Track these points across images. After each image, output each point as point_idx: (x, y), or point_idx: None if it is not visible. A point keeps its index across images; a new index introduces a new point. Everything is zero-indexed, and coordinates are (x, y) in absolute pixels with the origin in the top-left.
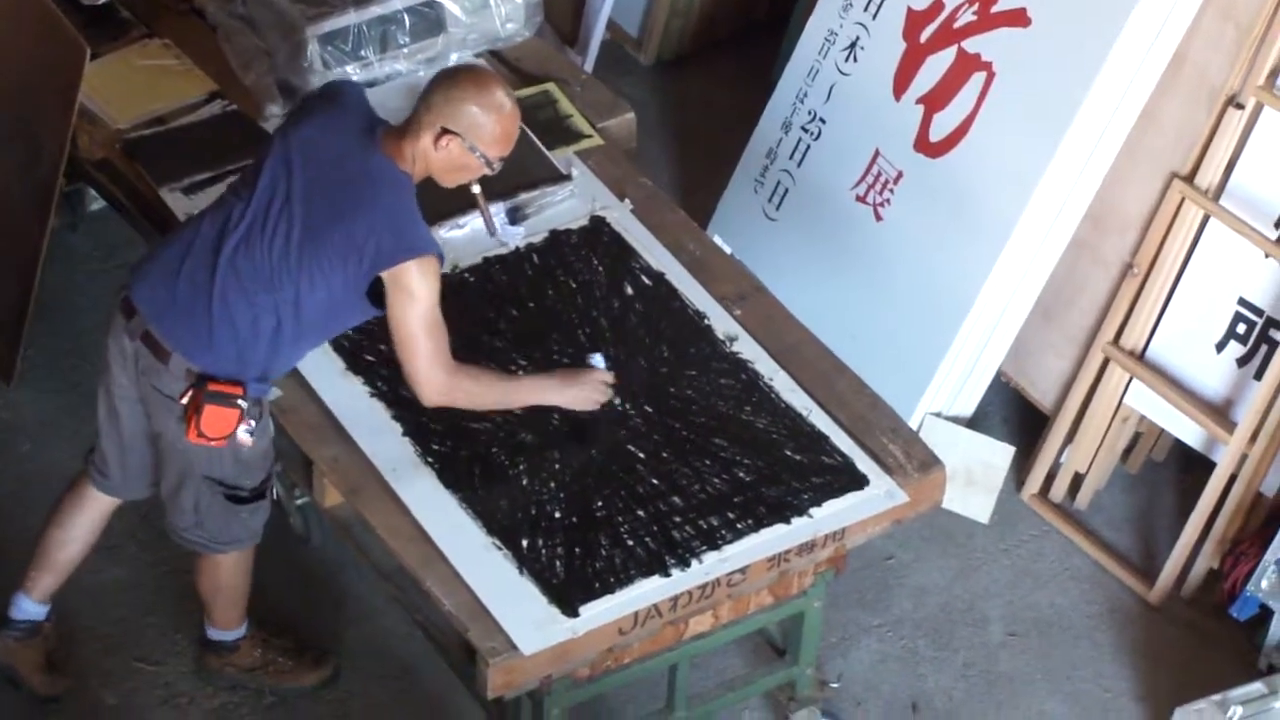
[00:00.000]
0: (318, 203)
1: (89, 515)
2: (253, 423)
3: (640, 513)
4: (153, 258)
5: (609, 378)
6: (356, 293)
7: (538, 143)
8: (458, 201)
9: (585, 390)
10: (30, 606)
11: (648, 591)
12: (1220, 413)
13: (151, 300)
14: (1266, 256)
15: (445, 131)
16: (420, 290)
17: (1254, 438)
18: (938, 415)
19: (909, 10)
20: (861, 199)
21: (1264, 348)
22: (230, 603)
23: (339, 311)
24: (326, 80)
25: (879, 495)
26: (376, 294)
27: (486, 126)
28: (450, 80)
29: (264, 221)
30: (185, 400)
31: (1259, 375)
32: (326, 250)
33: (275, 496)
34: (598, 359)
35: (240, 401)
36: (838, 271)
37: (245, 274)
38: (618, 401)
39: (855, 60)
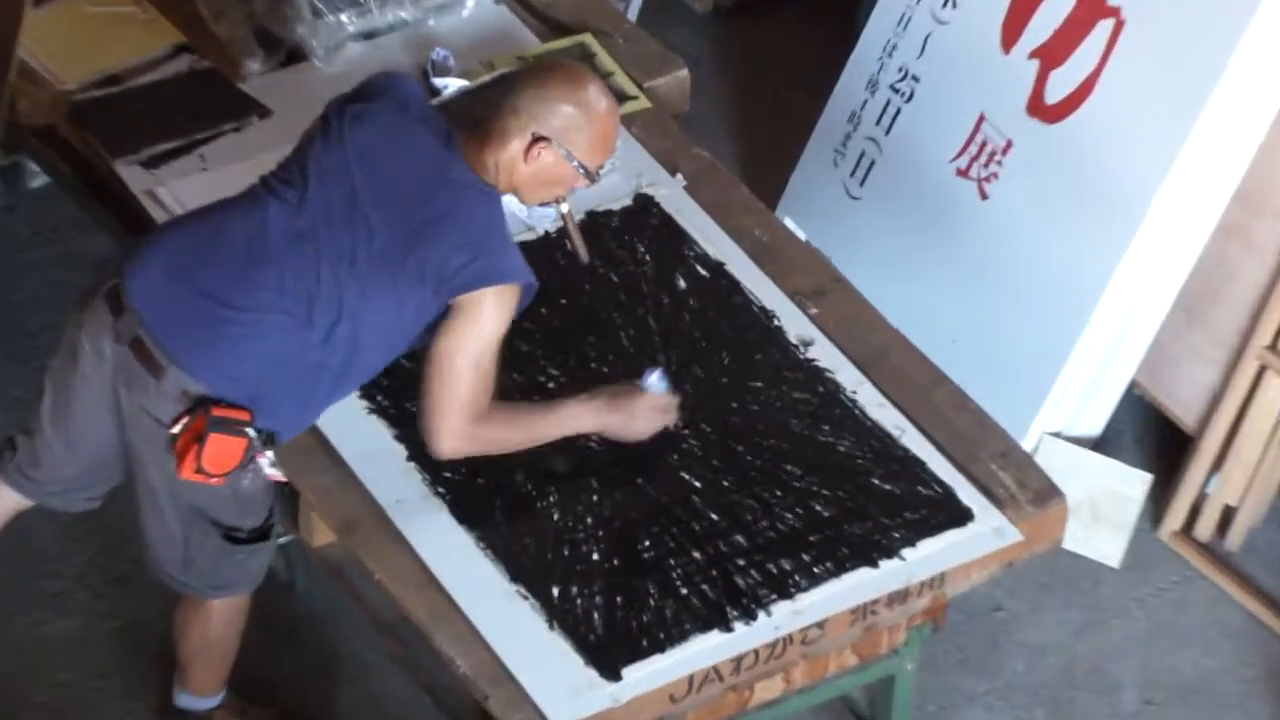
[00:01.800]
0: (392, 219)
1: None
2: (271, 454)
3: (696, 554)
4: (153, 248)
5: (670, 401)
6: (423, 321)
7: None
8: None
9: (638, 417)
10: None
11: (705, 650)
12: None
13: (150, 299)
14: None
15: (537, 139)
16: (489, 323)
17: None
18: (1057, 435)
19: None
20: (963, 173)
21: None
22: (214, 663)
23: (399, 341)
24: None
25: (986, 533)
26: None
27: (584, 129)
28: (538, 78)
29: (318, 235)
30: (178, 429)
31: None
32: (402, 274)
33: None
34: (655, 379)
35: (249, 429)
36: (935, 261)
37: (290, 291)
38: (679, 427)
39: (955, 6)
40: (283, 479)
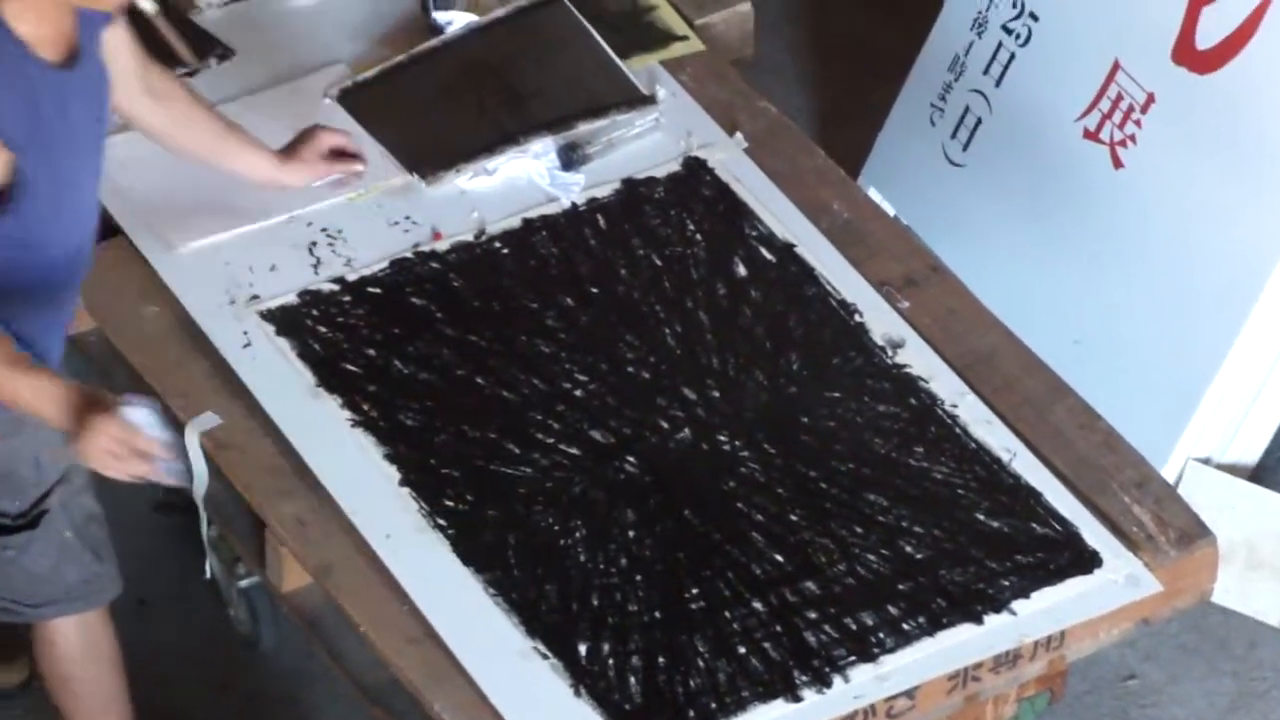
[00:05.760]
0: None
1: None
2: None
3: (757, 605)
4: None
5: (146, 446)
6: None
7: (606, 49)
8: (485, 137)
9: (96, 442)
10: None
11: None
12: None
13: None
14: None
15: None
16: None
17: None
18: (1206, 462)
19: None
20: (1092, 134)
21: None
22: (92, 708)
23: None
24: None
25: (1116, 582)
26: None
27: None
28: None
29: None
30: None
31: None
32: None
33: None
34: (144, 414)
35: None
36: (1056, 243)
37: None
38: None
39: None
40: None
